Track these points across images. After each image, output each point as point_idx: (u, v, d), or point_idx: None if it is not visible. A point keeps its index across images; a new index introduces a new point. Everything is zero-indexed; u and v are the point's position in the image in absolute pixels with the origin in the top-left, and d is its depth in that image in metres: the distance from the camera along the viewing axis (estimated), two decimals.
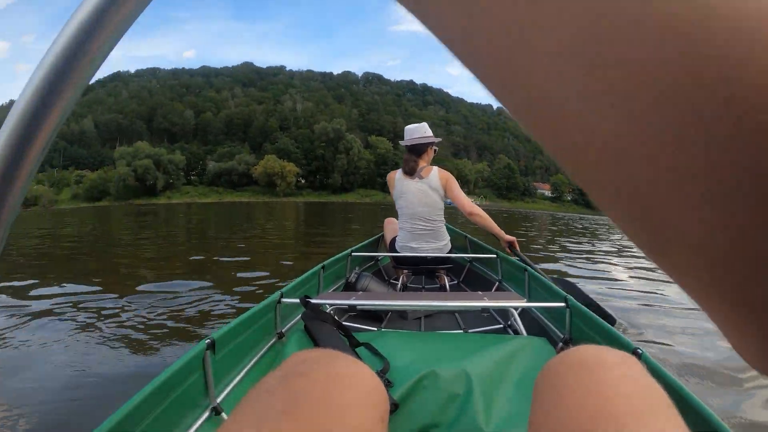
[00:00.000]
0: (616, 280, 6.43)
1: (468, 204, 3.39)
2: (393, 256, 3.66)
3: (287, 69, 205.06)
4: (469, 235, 4.61)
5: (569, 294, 2.06)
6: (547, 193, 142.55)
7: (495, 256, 3.55)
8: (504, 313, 2.70)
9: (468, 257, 4.05)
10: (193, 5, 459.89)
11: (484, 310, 2.16)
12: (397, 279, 3.82)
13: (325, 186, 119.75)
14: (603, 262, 8.64)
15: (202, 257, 8.14)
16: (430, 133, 3.54)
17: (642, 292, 5.45)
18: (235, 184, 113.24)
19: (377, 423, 0.54)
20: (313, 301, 1.93)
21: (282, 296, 2.01)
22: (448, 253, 3.54)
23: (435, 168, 3.47)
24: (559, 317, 2.09)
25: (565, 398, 0.54)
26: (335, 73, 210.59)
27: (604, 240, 14.95)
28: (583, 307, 1.89)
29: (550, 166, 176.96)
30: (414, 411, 1.33)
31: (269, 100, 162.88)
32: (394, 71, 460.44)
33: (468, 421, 1.27)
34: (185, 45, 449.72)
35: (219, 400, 1.43)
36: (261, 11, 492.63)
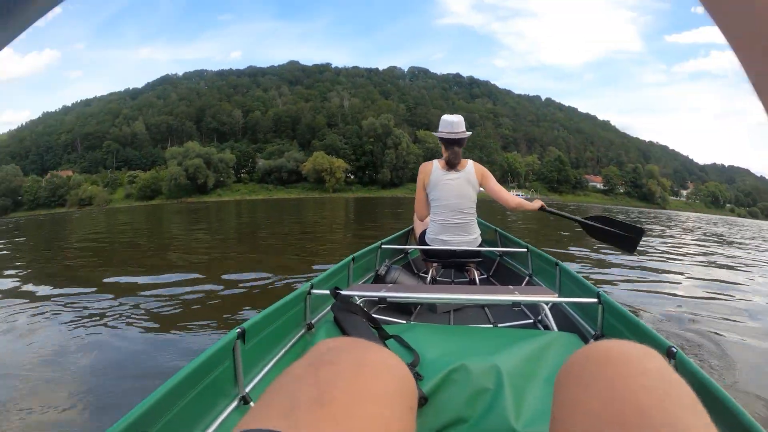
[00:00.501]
0: (669, 286, 6.09)
1: (510, 198, 3.57)
2: (423, 249, 3.61)
3: (333, 66, 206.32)
4: (499, 229, 4.56)
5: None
6: (599, 185, 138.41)
7: (525, 250, 3.57)
8: (534, 308, 2.74)
9: (498, 251, 4.15)
10: (236, 7, 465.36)
11: (515, 304, 2.10)
12: (426, 272, 3.79)
13: (374, 181, 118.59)
14: (655, 261, 8.35)
15: (251, 249, 8.66)
16: (464, 126, 3.56)
17: (688, 297, 5.36)
18: (285, 181, 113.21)
19: (407, 412, 0.54)
20: (343, 292, 1.93)
21: (312, 287, 2.02)
22: (478, 246, 3.54)
23: (470, 161, 3.53)
24: (591, 313, 2.08)
25: (588, 392, 0.53)
26: (381, 68, 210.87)
27: (655, 237, 14.05)
28: (615, 302, 1.88)
29: (601, 157, 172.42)
30: (443, 405, 1.33)
31: (316, 98, 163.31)
32: (440, 64, 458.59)
33: (497, 416, 1.26)
34: (231, 46, 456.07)
35: (248, 389, 1.43)
36: (304, 9, 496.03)
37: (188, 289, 5.53)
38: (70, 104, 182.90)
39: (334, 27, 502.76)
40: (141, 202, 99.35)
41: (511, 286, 2.55)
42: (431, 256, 3.61)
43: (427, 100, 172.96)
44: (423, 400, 1.30)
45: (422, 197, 3.59)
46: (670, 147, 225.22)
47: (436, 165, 3.50)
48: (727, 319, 4.43)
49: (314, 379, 0.50)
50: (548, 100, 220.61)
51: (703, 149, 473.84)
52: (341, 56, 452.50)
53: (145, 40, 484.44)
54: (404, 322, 2.41)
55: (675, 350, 1.33)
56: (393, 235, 4.30)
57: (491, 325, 2.56)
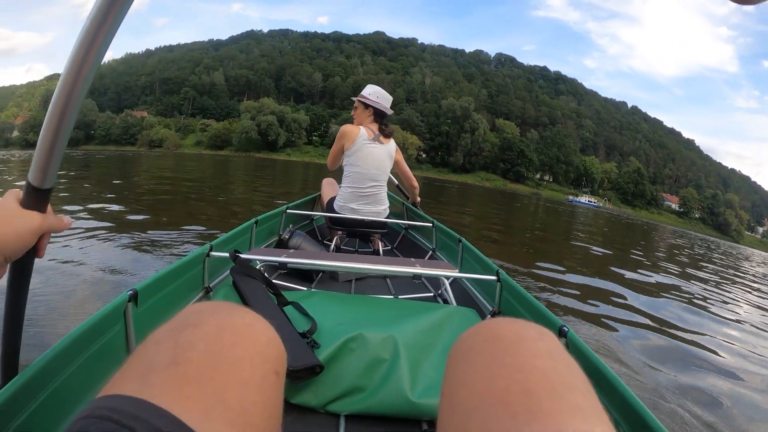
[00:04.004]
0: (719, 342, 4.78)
1: (413, 178, 4.01)
2: (329, 217, 3.64)
3: (419, 42, 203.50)
4: (407, 203, 4.55)
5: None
6: (674, 205, 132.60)
7: (431, 225, 3.63)
8: (435, 281, 2.82)
9: (404, 224, 4.16)
10: None
11: (416, 277, 2.10)
12: (330, 240, 3.87)
13: (446, 163, 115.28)
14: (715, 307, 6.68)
15: None
16: None
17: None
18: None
19: (270, 375, 0.53)
20: (243, 256, 1.93)
21: (212, 249, 1.99)
22: (385, 218, 3.61)
23: (392, 138, 3.61)
24: (490, 289, 2.16)
25: (478, 371, 0.52)
26: (467, 50, 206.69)
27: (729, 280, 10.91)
28: (513, 281, 1.94)
29: (680, 177, 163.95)
30: (340, 373, 1.36)
31: (398, 71, 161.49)
32: (528, 56, 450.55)
33: (393, 386, 1.30)
34: (320, 10, 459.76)
35: None
36: None
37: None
38: (153, 48, 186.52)
39: (426, 5, 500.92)
40: (209, 151, 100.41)
41: (413, 259, 2.66)
42: (337, 223, 3.59)
43: (510, 89, 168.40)
44: (319, 368, 1.33)
45: (338, 153, 3.55)
46: (752, 178, 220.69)
47: (363, 132, 3.43)
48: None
49: (173, 342, 0.50)
50: (634, 108, 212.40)
51: None
52: (428, 33, 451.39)
53: None
54: (305, 289, 2.37)
55: (566, 329, 1.38)
56: (299, 200, 4.29)
57: (392, 297, 2.59)
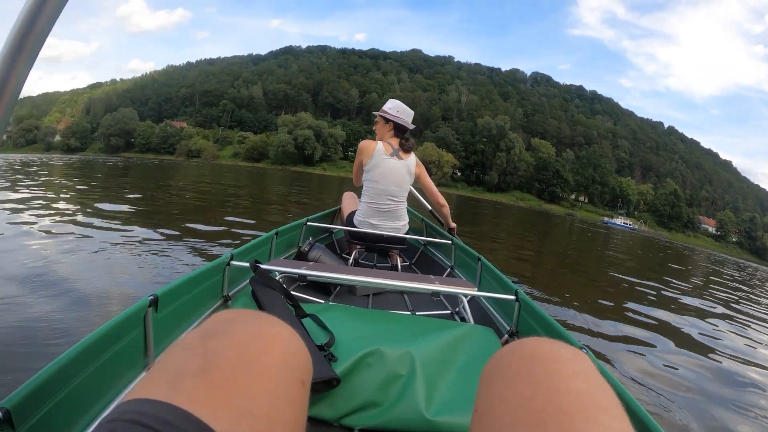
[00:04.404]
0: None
1: (439, 194, 3.75)
2: (349, 231, 3.60)
3: (455, 60, 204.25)
4: (426, 219, 4.64)
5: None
6: (711, 228, 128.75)
7: (450, 242, 3.66)
8: (453, 299, 2.81)
9: (423, 240, 4.17)
10: None
11: (434, 294, 2.14)
12: (349, 254, 3.81)
13: (480, 182, 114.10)
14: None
15: None
16: None
17: None
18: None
19: (296, 385, 0.54)
20: (263, 266, 1.94)
21: (232, 258, 2.01)
22: (404, 234, 3.60)
23: (412, 153, 3.56)
24: (508, 309, 2.18)
25: (514, 389, 0.53)
26: (503, 69, 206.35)
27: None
28: (532, 301, 1.94)
29: (717, 199, 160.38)
30: (356, 387, 1.36)
31: (434, 89, 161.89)
32: (564, 75, 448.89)
33: (409, 402, 1.31)
34: (357, 28, 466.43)
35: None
36: (435, 2, 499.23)
37: None
38: (194, 61, 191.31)
39: (463, 23, 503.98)
40: (246, 163, 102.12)
41: (432, 276, 2.61)
42: (356, 238, 3.57)
43: (546, 108, 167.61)
44: (336, 381, 1.33)
45: (359, 171, 3.57)
46: None
47: (380, 147, 3.42)
48: None
49: (203, 348, 0.51)
50: (671, 128, 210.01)
51: None
52: (464, 51, 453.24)
53: (278, 12, 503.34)
54: (323, 301, 2.44)
55: (585, 351, 1.34)
56: (320, 213, 4.32)
57: (409, 313, 2.57)
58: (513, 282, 2.26)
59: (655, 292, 8.26)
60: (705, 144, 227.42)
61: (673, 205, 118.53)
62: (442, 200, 3.74)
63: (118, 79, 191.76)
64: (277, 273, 2.13)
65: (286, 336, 0.57)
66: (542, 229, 25.75)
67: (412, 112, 3.56)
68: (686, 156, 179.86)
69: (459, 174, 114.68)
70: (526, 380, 0.53)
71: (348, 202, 4.04)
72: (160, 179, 19.83)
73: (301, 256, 3.16)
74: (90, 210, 7.90)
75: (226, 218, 8.75)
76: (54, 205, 8.05)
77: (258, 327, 0.56)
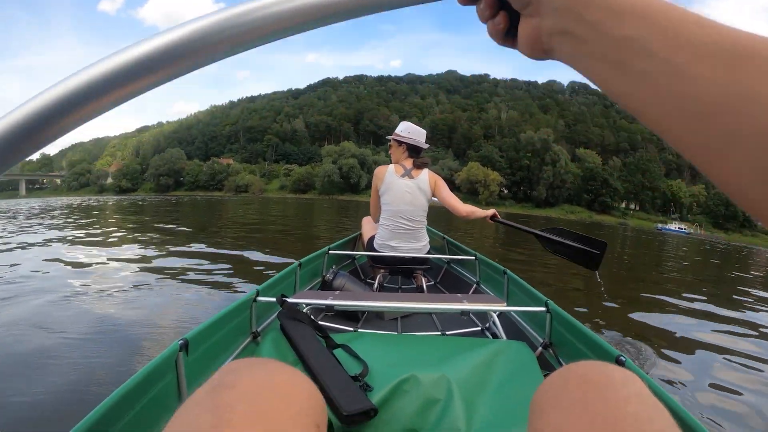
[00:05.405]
0: None
1: (461, 205, 3.51)
2: (371, 256, 3.64)
3: (491, 77, 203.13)
4: (447, 237, 4.64)
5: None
6: None
7: (474, 258, 3.67)
8: (483, 315, 2.81)
9: (446, 258, 4.12)
10: (399, 19, 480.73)
11: (464, 312, 2.09)
12: (373, 278, 3.87)
13: (528, 198, 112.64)
14: None
15: None
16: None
17: None
18: None
19: (310, 429, 0.53)
20: (289, 300, 1.93)
21: (258, 294, 2.01)
22: (426, 254, 3.58)
23: (425, 169, 3.54)
24: (539, 321, 2.16)
25: (569, 418, 0.52)
26: (540, 81, 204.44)
27: None
28: (563, 312, 1.95)
29: None
30: (394, 416, 1.34)
31: (473, 108, 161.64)
32: None
33: (449, 426, 1.29)
34: (391, 55, 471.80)
35: None
36: (465, 23, 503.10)
37: None
38: (236, 100, 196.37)
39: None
40: (293, 195, 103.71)
41: (459, 294, 2.59)
42: (379, 262, 3.59)
43: (587, 117, 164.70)
44: (373, 412, 1.32)
45: (375, 200, 3.60)
46: None
47: (390, 169, 3.48)
48: None
49: (212, 403, 0.50)
50: None
51: None
52: (500, 68, 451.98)
53: (312, 47, 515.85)
54: (351, 329, 2.49)
55: (624, 359, 1.39)
56: (340, 241, 4.28)
57: (439, 333, 2.62)
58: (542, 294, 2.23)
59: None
60: None
61: (727, 205, 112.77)
62: (464, 209, 3.51)
63: (164, 122, 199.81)
64: (303, 305, 2.12)
65: (296, 381, 0.57)
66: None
67: (424, 132, 3.59)
68: None
69: (506, 191, 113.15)
70: (581, 408, 0.52)
71: (367, 227, 4.05)
72: (222, 214, 20.64)
73: (326, 285, 3.17)
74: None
75: (278, 247, 9.07)
76: (104, 242, 8.55)
77: (266, 376, 0.56)
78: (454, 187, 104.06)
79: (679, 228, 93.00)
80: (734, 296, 8.84)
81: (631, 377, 0.56)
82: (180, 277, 5.70)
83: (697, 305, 7.02)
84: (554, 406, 0.55)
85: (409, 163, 3.52)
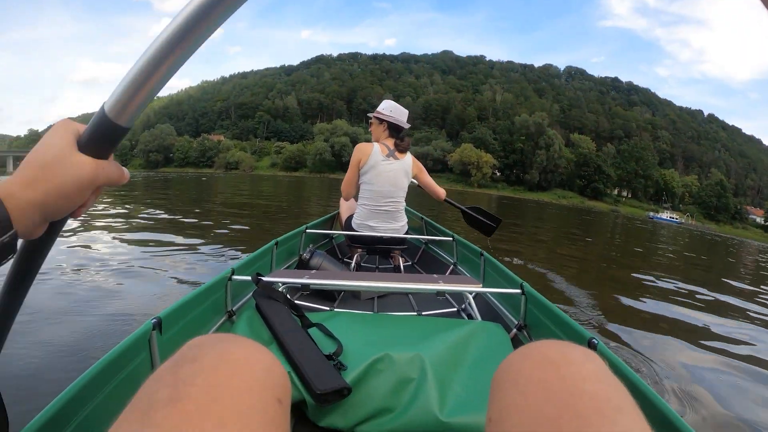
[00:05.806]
0: None
1: (440, 189, 3.77)
2: (349, 235, 3.62)
3: (487, 59, 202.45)
4: (426, 217, 4.71)
5: None
6: (759, 218, 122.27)
7: (451, 239, 3.70)
8: (459, 296, 2.82)
9: (424, 239, 4.20)
10: None
11: (440, 293, 2.10)
12: (350, 258, 3.84)
13: (521, 181, 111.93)
14: None
15: None
16: None
17: None
18: (430, 170, 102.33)
19: (272, 404, 0.53)
20: (265, 279, 1.94)
21: (233, 273, 1.99)
22: (404, 234, 3.61)
23: (408, 153, 3.56)
24: (514, 303, 2.16)
25: (527, 395, 0.52)
26: (536, 65, 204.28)
27: None
28: (538, 294, 1.95)
29: (763, 187, 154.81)
30: (368, 395, 1.35)
31: (468, 89, 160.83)
32: (598, 68, 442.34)
33: (422, 405, 1.29)
34: (387, 33, 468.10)
35: None
36: (462, 3, 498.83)
37: None
38: (228, 75, 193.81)
39: (492, 22, 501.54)
40: (284, 172, 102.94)
41: (435, 275, 2.62)
42: (357, 241, 3.58)
43: (582, 102, 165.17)
44: (347, 391, 1.32)
45: (353, 178, 3.49)
46: None
47: (376, 148, 3.38)
48: None
49: (173, 378, 0.50)
50: (711, 116, 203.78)
51: None
52: (496, 50, 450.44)
53: (307, 24, 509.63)
54: (328, 309, 2.45)
55: (596, 341, 1.39)
56: (318, 220, 4.35)
57: (415, 313, 2.60)
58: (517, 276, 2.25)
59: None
60: (747, 130, 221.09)
61: (719, 196, 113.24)
62: (441, 193, 3.78)
63: (154, 97, 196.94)
64: (279, 284, 2.11)
65: (257, 356, 0.57)
66: (584, 231, 23.59)
67: (406, 112, 3.51)
68: (728, 144, 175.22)
69: (499, 174, 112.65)
70: (539, 386, 0.52)
71: (346, 206, 4.01)
72: (202, 193, 20.41)
73: (303, 265, 3.12)
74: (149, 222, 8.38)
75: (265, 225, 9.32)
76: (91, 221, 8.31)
77: (227, 350, 0.55)
78: (446, 168, 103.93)
79: (670, 217, 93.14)
80: (724, 280, 9.32)
81: (592, 356, 0.56)
82: (160, 255, 5.62)
83: (680, 287, 7.29)
84: (513, 384, 0.56)
85: (390, 142, 3.44)
